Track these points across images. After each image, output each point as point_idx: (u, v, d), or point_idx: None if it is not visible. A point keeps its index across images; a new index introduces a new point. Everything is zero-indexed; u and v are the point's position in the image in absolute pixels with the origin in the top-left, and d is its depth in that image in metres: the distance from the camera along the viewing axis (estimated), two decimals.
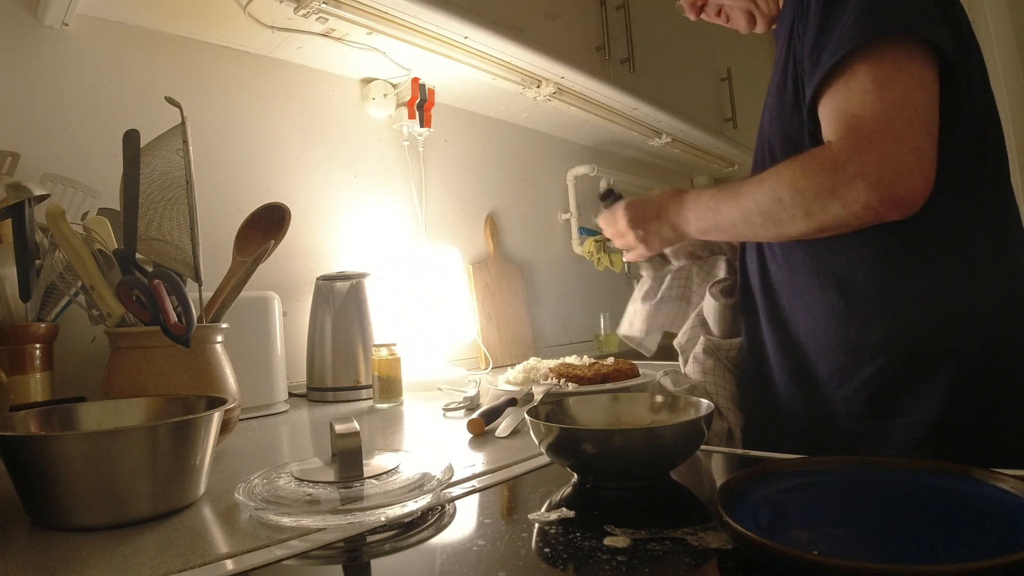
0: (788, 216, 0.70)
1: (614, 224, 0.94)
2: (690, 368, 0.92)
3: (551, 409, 0.66)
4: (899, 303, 0.71)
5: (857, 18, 0.64)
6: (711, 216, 0.80)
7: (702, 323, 0.97)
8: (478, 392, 1.01)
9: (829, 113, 0.68)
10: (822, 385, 0.78)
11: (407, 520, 0.50)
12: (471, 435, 0.79)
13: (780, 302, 0.82)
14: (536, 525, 0.47)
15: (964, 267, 0.69)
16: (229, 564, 0.42)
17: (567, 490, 0.55)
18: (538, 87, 1.58)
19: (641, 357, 1.11)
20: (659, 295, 1.02)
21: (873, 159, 0.61)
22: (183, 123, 0.74)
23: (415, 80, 1.46)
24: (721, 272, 0.96)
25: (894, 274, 0.71)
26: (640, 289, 1.05)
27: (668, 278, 1.02)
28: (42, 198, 0.81)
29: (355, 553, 0.45)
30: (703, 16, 0.90)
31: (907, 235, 0.70)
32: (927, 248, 0.70)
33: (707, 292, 0.95)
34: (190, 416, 0.54)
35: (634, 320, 1.05)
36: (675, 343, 1.00)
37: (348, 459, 0.54)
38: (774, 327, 0.83)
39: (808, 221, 0.68)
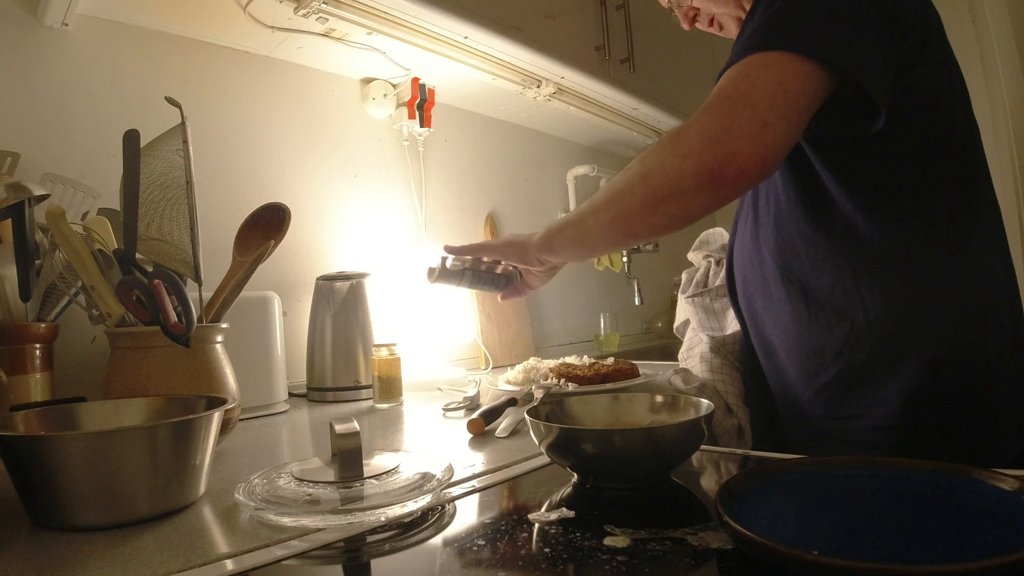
0: (627, 183, 0.66)
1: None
2: (698, 367, 0.94)
3: (551, 409, 0.66)
4: (858, 310, 0.71)
5: (749, 35, 0.62)
6: (564, 220, 0.78)
7: (685, 322, 1.01)
8: (478, 392, 1.01)
9: None
10: (792, 385, 0.80)
11: (407, 520, 0.50)
12: (471, 435, 0.79)
13: (756, 305, 0.84)
14: (536, 525, 0.47)
15: (925, 276, 0.69)
16: (229, 564, 0.42)
17: (567, 490, 0.55)
18: (538, 87, 1.58)
19: (641, 357, 1.13)
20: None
21: (713, 117, 0.58)
22: (183, 123, 0.74)
23: (415, 80, 1.46)
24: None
25: (854, 281, 0.71)
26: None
27: (684, 275, 1.07)
28: (42, 198, 0.81)
29: (355, 553, 0.45)
30: (697, 25, 0.91)
31: (871, 243, 0.70)
32: (889, 257, 0.70)
33: (680, 297, 0.99)
34: (190, 416, 0.54)
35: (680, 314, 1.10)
36: (679, 355, 1.04)
37: (348, 459, 0.54)
38: (755, 329, 0.85)
39: (644, 185, 0.63)
